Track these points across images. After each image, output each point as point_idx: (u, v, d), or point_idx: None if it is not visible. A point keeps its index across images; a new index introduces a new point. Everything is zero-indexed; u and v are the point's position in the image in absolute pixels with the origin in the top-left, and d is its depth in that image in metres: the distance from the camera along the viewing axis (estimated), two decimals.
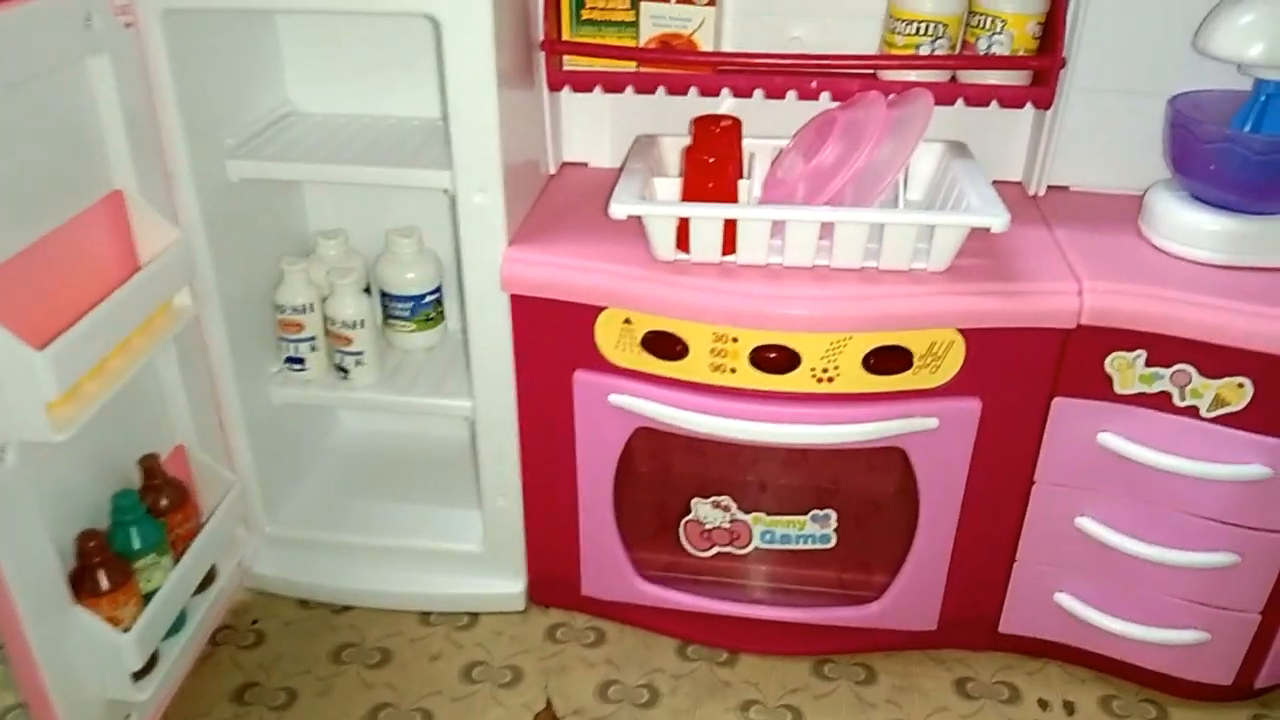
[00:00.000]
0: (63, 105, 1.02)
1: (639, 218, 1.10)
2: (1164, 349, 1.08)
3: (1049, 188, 1.29)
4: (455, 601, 1.39)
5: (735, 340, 1.11)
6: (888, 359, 1.11)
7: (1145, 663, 1.27)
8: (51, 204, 1.02)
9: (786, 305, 1.08)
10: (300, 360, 1.36)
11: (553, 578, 1.37)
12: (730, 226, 1.09)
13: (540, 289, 1.15)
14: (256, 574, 1.42)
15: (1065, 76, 1.19)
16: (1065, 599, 1.26)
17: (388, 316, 1.42)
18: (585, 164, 1.38)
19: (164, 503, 1.19)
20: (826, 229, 1.08)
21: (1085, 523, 1.20)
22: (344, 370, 1.36)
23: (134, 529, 1.12)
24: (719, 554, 1.29)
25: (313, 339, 1.35)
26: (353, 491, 1.49)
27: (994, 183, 1.18)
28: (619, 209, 1.07)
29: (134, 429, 1.19)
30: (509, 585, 1.39)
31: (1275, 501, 1.12)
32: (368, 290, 1.40)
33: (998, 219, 1.03)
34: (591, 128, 1.35)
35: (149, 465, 1.18)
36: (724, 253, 1.11)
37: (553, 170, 1.36)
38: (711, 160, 1.10)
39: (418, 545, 1.40)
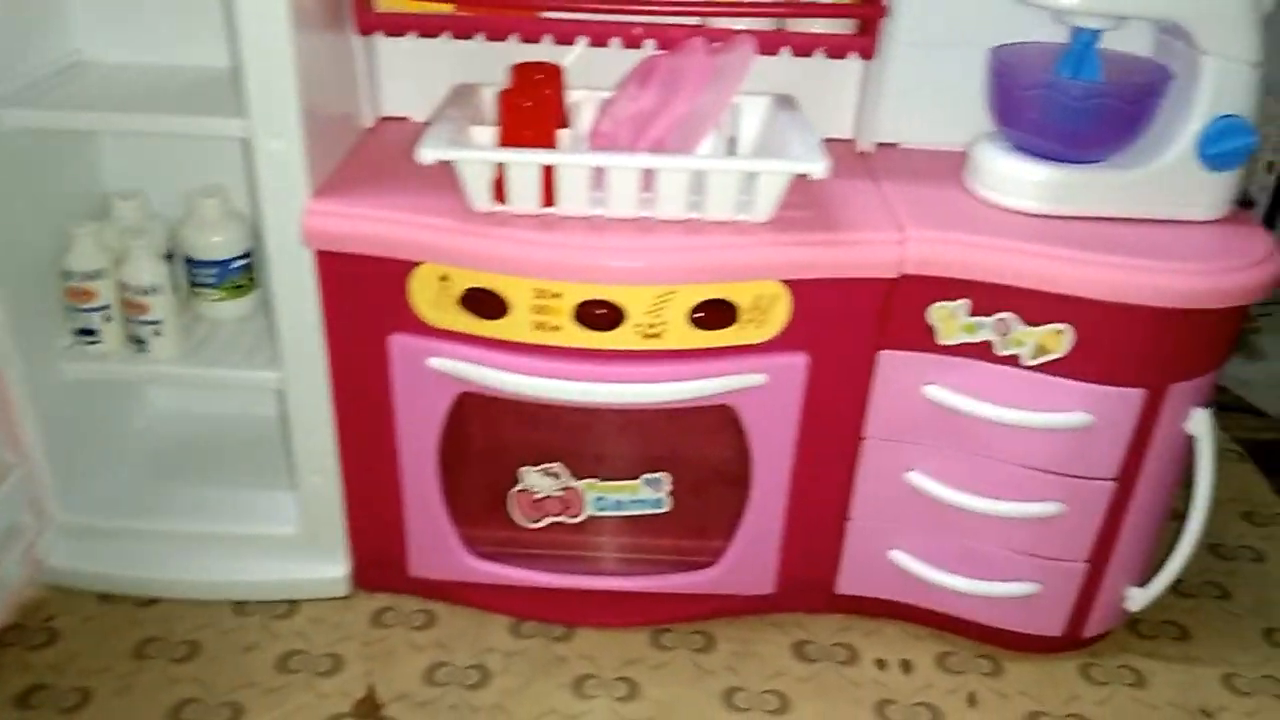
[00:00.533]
0: None
1: (454, 167, 1.03)
2: (986, 297, 1.07)
3: (878, 145, 1.28)
4: (272, 589, 1.30)
5: (558, 296, 1.05)
6: (714, 313, 1.07)
7: (980, 618, 1.27)
8: None
9: (609, 257, 1.04)
10: (93, 332, 1.25)
11: (378, 559, 1.30)
12: (549, 175, 1.04)
13: (347, 243, 1.07)
14: (51, 567, 1.30)
15: (889, 29, 1.18)
16: (899, 556, 1.25)
17: (194, 284, 1.32)
18: (406, 118, 1.30)
19: None
20: (650, 180, 1.04)
21: (915, 477, 1.19)
22: (141, 341, 1.25)
23: None
24: (552, 524, 1.24)
25: (106, 308, 1.24)
26: (159, 475, 1.38)
27: (824, 140, 1.17)
28: (428, 154, 1.00)
29: None
30: (330, 569, 1.30)
31: (1098, 449, 1.13)
32: (170, 257, 1.29)
33: (816, 165, 1.01)
34: (413, 80, 1.27)
35: None
36: (544, 203, 1.06)
37: (369, 124, 1.28)
38: (529, 105, 1.05)
39: (230, 530, 1.30)
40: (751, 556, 1.25)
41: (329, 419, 1.20)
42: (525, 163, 1.02)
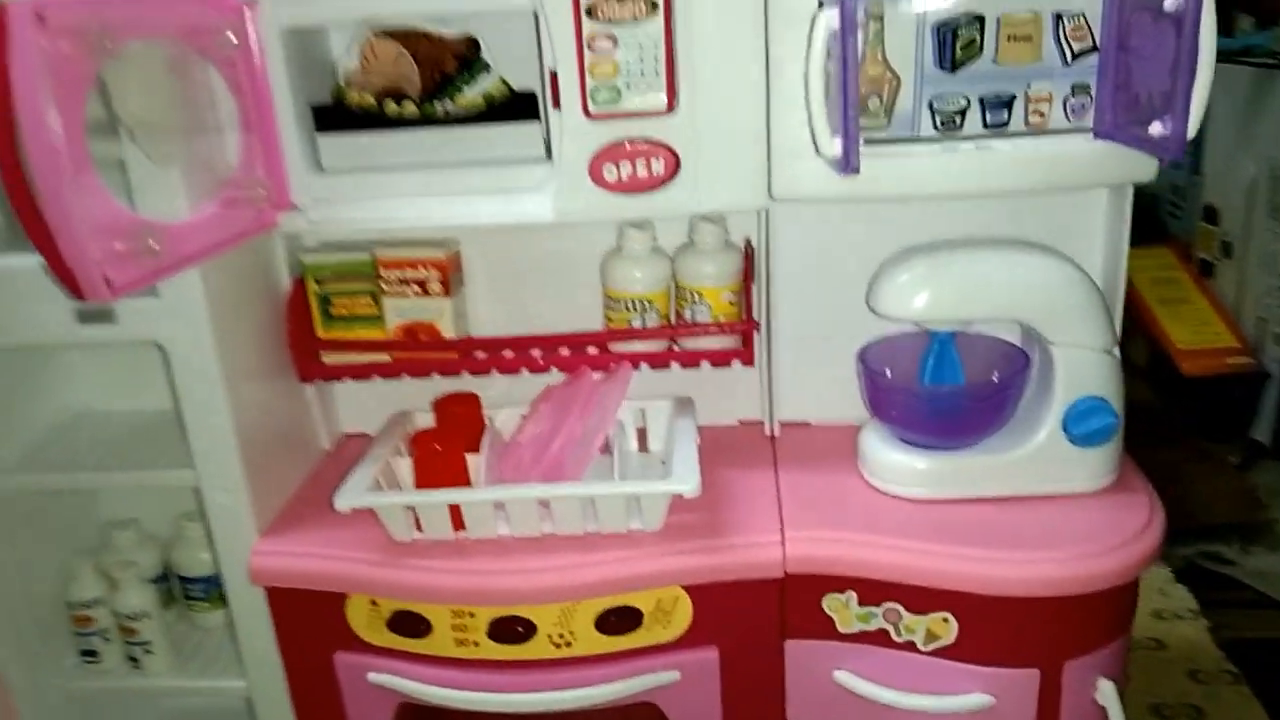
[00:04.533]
0: None
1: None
2: (870, 589, 1.14)
3: (787, 424, 1.38)
4: None
5: (472, 615, 1.15)
6: (620, 620, 1.16)
7: None
8: None
9: (512, 580, 1.14)
10: (94, 652, 1.39)
11: None
12: (457, 509, 1.16)
13: (288, 580, 1.20)
14: None
15: (770, 333, 1.29)
16: None
17: (186, 597, 1.46)
18: (366, 435, 1.45)
19: None
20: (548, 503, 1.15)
21: None
22: (135, 660, 1.39)
23: None
24: None
25: (105, 631, 1.38)
26: None
27: (740, 423, 1.28)
28: (343, 503, 1.14)
29: None
30: None
31: None
32: (164, 577, 1.45)
33: (688, 485, 1.11)
34: (367, 400, 1.42)
35: None
36: (455, 529, 1.17)
37: (327, 446, 1.43)
38: (438, 449, 1.18)
39: None
40: None
41: None
42: (433, 504, 1.14)
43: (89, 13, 0.84)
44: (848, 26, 0.96)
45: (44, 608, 1.37)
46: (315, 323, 1.32)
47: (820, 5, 1.02)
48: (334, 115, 1.20)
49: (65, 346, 1.37)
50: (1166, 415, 2.83)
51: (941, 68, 1.09)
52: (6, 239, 1.13)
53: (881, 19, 1.08)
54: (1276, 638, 1.89)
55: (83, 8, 0.83)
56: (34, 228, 0.84)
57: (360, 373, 1.32)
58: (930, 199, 1.18)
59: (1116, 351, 1.18)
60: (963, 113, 1.11)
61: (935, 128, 1.11)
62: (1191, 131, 0.98)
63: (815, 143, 1.04)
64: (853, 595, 1.15)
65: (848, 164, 1.01)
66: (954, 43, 1.08)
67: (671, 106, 1.10)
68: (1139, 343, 3.13)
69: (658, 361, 1.28)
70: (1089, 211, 1.25)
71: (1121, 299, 1.24)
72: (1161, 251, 3.34)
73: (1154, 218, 3.48)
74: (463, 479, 1.19)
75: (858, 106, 1.00)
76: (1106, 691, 1.15)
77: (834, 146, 1.02)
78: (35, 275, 1.06)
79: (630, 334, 1.27)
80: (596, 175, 1.12)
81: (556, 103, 1.10)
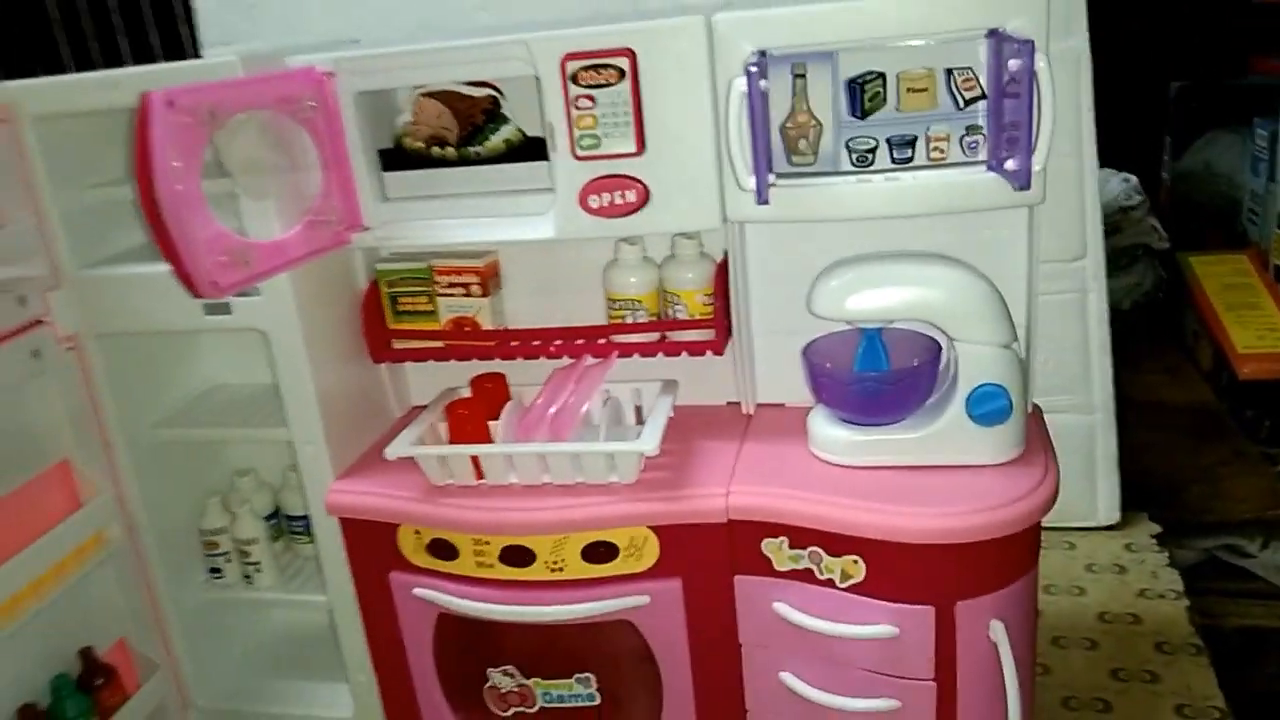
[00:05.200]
0: (22, 409, 1.52)
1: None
2: (798, 535, 1.41)
3: (765, 405, 1.66)
4: None
5: (488, 543, 1.49)
6: (601, 551, 1.47)
7: None
8: (13, 472, 1.50)
9: (518, 516, 1.47)
10: (219, 570, 1.80)
11: None
12: (478, 461, 1.50)
13: (355, 512, 1.57)
14: None
15: (742, 326, 1.57)
16: None
17: (290, 532, 1.86)
18: (424, 406, 1.81)
19: (98, 682, 1.61)
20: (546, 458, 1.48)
21: (787, 678, 1.49)
22: (249, 577, 1.79)
23: (66, 703, 1.55)
24: (516, 714, 1.62)
25: (227, 553, 1.79)
26: (265, 671, 1.90)
27: (727, 403, 1.58)
28: (391, 452, 1.49)
29: (77, 628, 1.63)
30: None
31: (910, 654, 1.39)
32: (274, 514, 1.85)
33: (649, 445, 1.41)
34: (428, 381, 1.78)
35: (85, 654, 1.61)
36: (477, 476, 1.51)
37: (398, 414, 1.79)
38: (464, 413, 1.52)
39: (306, 713, 1.78)
40: None
41: (361, 632, 1.66)
42: (456, 454, 1.49)
43: (203, 98, 1.22)
44: (753, 92, 1.25)
45: (183, 534, 1.79)
46: (385, 316, 1.68)
47: (744, 74, 1.30)
48: (394, 157, 1.56)
49: (196, 332, 1.79)
50: (1217, 417, 2.93)
51: (854, 115, 1.36)
52: (151, 254, 1.54)
53: (804, 76, 1.36)
54: (1263, 625, 2.03)
55: (198, 96, 1.21)
56: (164, 245, 1.22)
57: (418, 356, 1.68)
58: (850, 220, 1.43)
59: (1016, 346, 1.42)
60: (873, 150, 1.37)
61: (852, 164, 1.38)
62: (1036, 166, 1.22)
63: (736, 179, 1.33)
64: (785, 540, 1.42)
65: (760, 196, 1.29)
66: (863, 95, 1.35)
67: (640, 150, 1.40)
68: (1205, 346, 3.22)
69: (648, 351, 1.58)
70: (1013, 229, 1.47)
71: (1035, 302, 1.47)
72: (1238, 258, 3.40)
73: (1235, 225, 3.53)
74: (484, 438, 1.52)
75: (767, 152, 1.28)
76: (998, 630, 1.38)
77: (749, 182, 1.30)
78: (170, 279, 1.45)
79: (624, 328, 1.58)
80: (584, 203, 1.43)
81: (554, 147, 1.43)
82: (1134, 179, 3.27)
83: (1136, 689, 1.75)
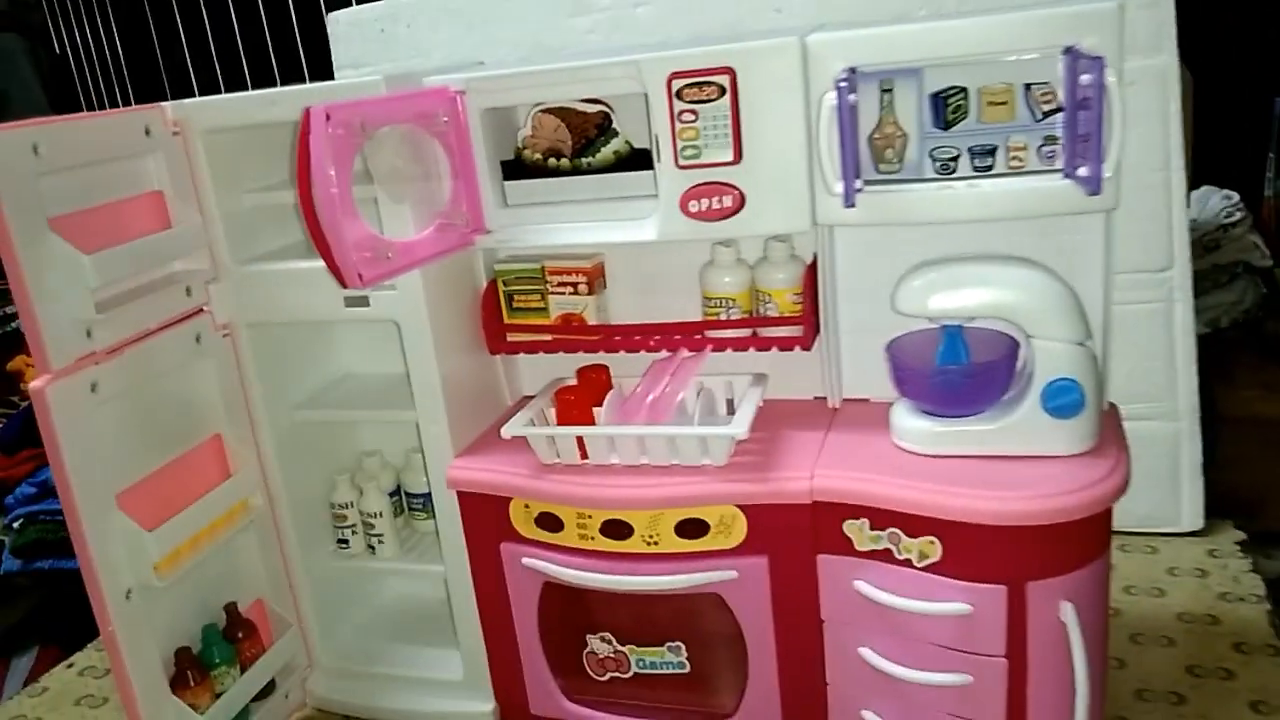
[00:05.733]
0: (186, 387, 1.73)
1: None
2: (878, 517, 1.51)
3: (850, 400, 1.76)
4: (444, 718, 1.91)
5: (590, 518, 1.63)
6: (693, 528, 1.60)
7: None
8: (176, 442, 1.71)
9: (618, 492, 1.61)
10: (346, 540, 1.99)
11: (511, 700, 1.87)
12: (583, 442, 1.64)
13: (473, 487, 1.73)
14: (315, 695, 2.00)
15: (830, 324, 1.68)
16: (869, 716, 1.64)
17: (409, 509, 2.04)
18: (530, 397, 1.97)
19: (239, 635, 1.81)
20: (644, 441, 1.61)
21: (865, 653, 1.59)
22: (372, 548, 1.97)
23: (214, 649, 1.74)
24: (612, 678, 1.76)
25: (353, 525, 1.97)
26: (384, 635, 2.07)
27: (815, 398, 1.70)
28: (507, 432, 1.65)
29: (223, 585, 1.83)
30: (482, 706, 1.89)
31: (983, 631, 1.48)
32: (396, 492, 2.03)
33: (740, 430, 1.54)
34: (537, 372, 1.94)
35: (229, 609, 1.81)
36: (581, 456, 1.66)
37: (509, 402, 1.96)
38: (571, 399, 1.67)
39: (422, 675, 1.94)
40: (759, 713, 1.69)
41: (473, 599, 1.82)
42: (564, 435, 1.64)
43: (355, 113, 1.39)
44: (843, 105, 1.37)
45: (315, 507, 1.98)
46: (502, 312, 1.84)
47: (835, 89, 1.42)
48: (515, 168, 1.72)
49: (335, 323, 1.98)
50: None
51: (938, 126, 1.47)
52: (305, 250, 1.73)
53: (891, 90, 1.47)
54: None
55: (352, 110, 1.39)
56: (318, 241, 1.40)
57: (530, 348, 1.83)
58: (933, 225, 1.53)
59: (1091, 344, 1.50)
60: (955, 159, 1.48)
61: (935, 172, 1.49)
62: (1107, 173, 1.32)
63: (825, 184, 1.45)
64: (866, 521, 1.53)
65: (847, 200, 1.42)
66: (946, 108, 1.46)
67: (738, 159, 1.53)
68: None
69: (740, 346, 1.71)
70: (1090, 234, 1.56)
71: (1110, 304, 1.55)
72: None
73: None
74: (589, 422, 1.67)
75: (855, 160, 1.40)
76: (1067, 611, 1.46)
77: (837, 187, 1.42)
78: (320, 274, 1.63)
79: (718, 324, 1.71)
80: (684, 208, 1.57)
81: (659, 158, 1.57)
82: (1235, 195, 3.26)
83: (1212, 685, 1.79)
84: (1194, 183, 3.04)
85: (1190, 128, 2.39)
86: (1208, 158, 2.70)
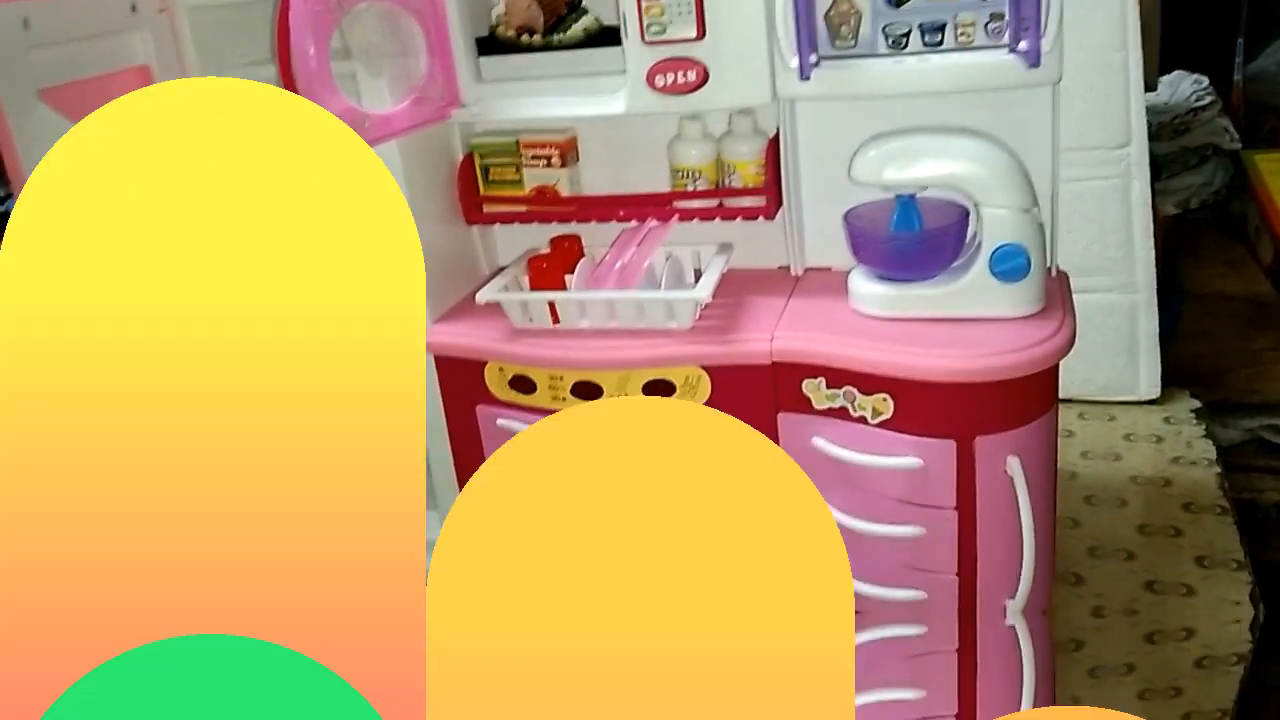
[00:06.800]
0: None
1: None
2: (834, 375, 1.60)
3: (812, 269, 1.84)
4: None
5: (561, 378, 1.72)
6: (660, 388, 1.69)
7: None
8: None
9: (588, 354, 1.69)
10: None
11: None
12: (554, 306, 1.72)
13: (448, 350, 1.81)
14: None
15: (792, 195, 1.75)
16: None
17: None
18: (505, 267, 2.03)
19: None
20: (613, 306, 1.70)
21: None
22: None
23: None
24: None
25: None
26: None
27: (779, 267, 1.78)
28: (482, 297, 1.73)
29: None
30: None
31: (934, 484, 1.58)
32: None
33: (702, 294, 1.62)
34: (512, 242, 2.01)
35: None
36: (553, 321, 1.74)
37: (486, 271, 2.03)
38: (544, 265, 1.75)
39: None
40: None
41: (450, 461, 1.93)
42: (536, 300, 1.72)
43: None
44: None
45: None
46: (478, 184, 1.90)
47: None
48: (489, 44, 1.76)
49: None
50: (1273, 308, 3.01)
51: (890, 4, 1.52)
52: None
53: None
54: None
55: None
56: None
57: (506, 219, 1.90)
58: (886, 98, 1.59)
59: (1037, 211, 1.57)
60: (907, 35, 1.53)
61: (887, 47, 1.54)
62: (1046, 47, 1.37)
63: (783, 59, 1.50)
64: (823, 380, 1.62)
65: (803, 73, 1.47)
66: None
67: (700, 35, 1.58)
68: (1265, 241, 3.27)
69: (706, 215, 1.78)
70: (1037, 107, 1.62)
71: (1058, 173, 1.62)
72: None
73: None
74: (560, 287, 1.75)
75: (810, 34, 1.45)
76: (1014, 466, 1.57)
77: (793, 61, 1.48)
78: None
79: (685, 195, 1.78)
80: (651, 82, 1.62)
81: (626, 34, 1.61)
82: (1205, 80, 3.29)
83: (1160, 542, 1.92)
84: (1165, 67, 3.07)
85: (1160, 12, 2.42)
86: (1178, 42, 2.72)
